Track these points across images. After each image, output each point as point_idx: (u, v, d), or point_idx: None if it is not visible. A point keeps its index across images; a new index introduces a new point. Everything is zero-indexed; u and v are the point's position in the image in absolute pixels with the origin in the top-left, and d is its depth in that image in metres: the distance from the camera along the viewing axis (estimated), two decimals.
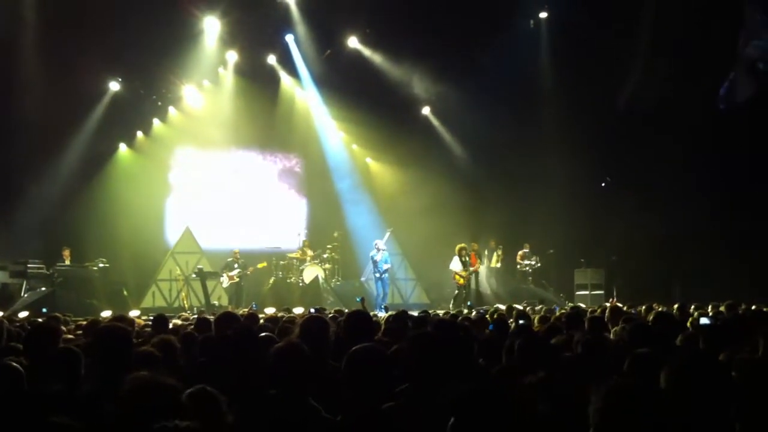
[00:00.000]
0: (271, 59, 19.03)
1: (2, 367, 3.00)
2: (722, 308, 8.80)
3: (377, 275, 16.25)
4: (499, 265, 18.38)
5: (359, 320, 4.83)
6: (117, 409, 2.63)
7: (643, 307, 9.53)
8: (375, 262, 16.23)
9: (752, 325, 5.53)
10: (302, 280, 17.29)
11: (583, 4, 16.77)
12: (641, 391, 2.50)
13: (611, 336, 5.67)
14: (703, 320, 6.80)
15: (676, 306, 9.35)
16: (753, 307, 9.47)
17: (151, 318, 8.22)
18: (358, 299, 12.88)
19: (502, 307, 11.28)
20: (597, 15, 16.40)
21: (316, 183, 20.62)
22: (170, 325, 7.42)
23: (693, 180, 16.10)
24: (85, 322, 7.76)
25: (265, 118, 19.34)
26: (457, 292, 15.94)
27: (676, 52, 16.29)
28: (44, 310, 10.94)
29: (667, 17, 16.15)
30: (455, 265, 15.91)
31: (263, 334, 4.81)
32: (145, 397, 2.42)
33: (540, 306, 11.36)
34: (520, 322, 6.47)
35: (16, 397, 2.90)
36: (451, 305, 15.30)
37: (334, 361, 3.91)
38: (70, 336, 6.49)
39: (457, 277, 15.90)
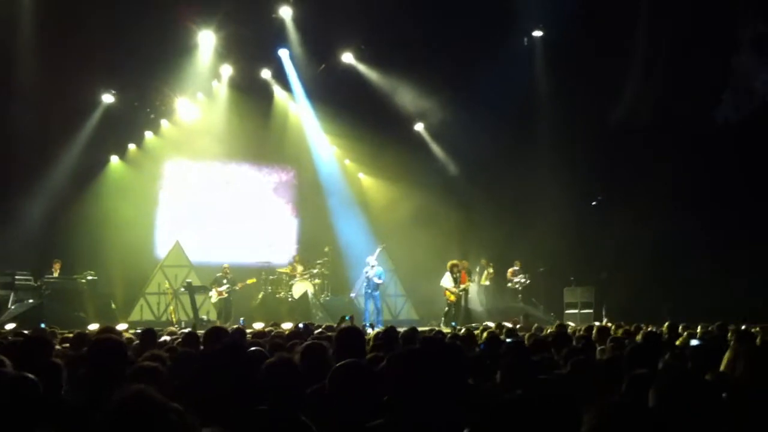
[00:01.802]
0: (266, 73, 19.10)
1: (22, 378, 3.06)
2: (711, 328, 8.80)
3: (369, 291, 16.18)
4: (488, 282, 18.36)
5: (351, 336, 4.83)
6: (104, 422, 2.62)
7: (632, 327, 9.50)
8: (368, 279, 16.17)
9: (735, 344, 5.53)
10: (291, 295, 17.22)
11: (577, 23, 16.90)
12: (636, 410, 2.50)
13: (597, 355, 5.69)
14: (693, 342, 6.77)
15: (665, 325, 9.34)
16: (743, 327, 9.46)
17: (139, 331, 8.16)
18: (347, 318, 12.82)
19: (492, 324, 11.27)
20: (591, 33, 16.54)
21: (308, 198, 20.61)
22: (163, 338, 7.39)
23: (685, 197, 16.18)
24: (71, 335, 7.72)
25: (258, 133, 19.36)
26: (447, 308, 15.95)
27: (670, 69, 16.43)
28: (43, 325, 10.69)
29: (661, 34, 16.30)
30: (446, 281, 15.93)
31: (253, 348, 4.79)
32: (133, 411, 2.40)
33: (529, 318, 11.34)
34: (508, 340, 6.46)
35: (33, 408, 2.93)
36: (441, 322, 15.29)
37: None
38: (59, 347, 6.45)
39: (448, 293, 15.93)
